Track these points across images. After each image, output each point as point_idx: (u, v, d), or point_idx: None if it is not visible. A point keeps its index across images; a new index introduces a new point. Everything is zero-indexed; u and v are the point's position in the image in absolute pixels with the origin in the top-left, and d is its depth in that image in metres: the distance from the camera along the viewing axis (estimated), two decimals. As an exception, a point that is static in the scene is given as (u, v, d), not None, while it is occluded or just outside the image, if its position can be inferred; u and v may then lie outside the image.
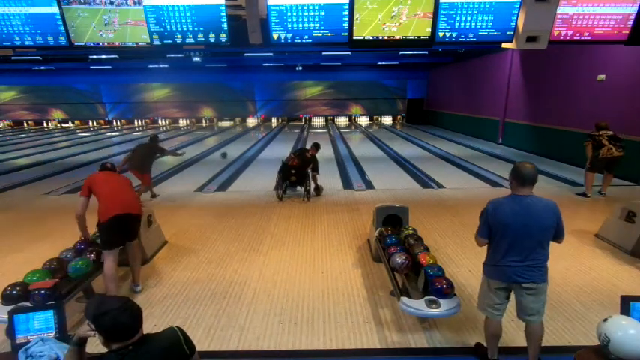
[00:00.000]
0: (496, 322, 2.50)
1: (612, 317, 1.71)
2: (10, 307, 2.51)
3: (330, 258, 4.36)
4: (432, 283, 2.84)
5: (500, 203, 2.36)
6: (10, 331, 2.24)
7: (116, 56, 14.92)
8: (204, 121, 23.43)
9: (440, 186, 7.57)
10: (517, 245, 2.30)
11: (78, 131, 20.42)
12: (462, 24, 5.11)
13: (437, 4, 4.97)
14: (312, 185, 6.81)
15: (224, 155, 10.56)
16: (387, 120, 23.46)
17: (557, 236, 2.37)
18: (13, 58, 13.32)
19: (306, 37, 5.20)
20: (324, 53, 14.37)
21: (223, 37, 5.22)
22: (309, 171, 6.71)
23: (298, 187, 6.87)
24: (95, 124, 23.33)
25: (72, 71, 20.57)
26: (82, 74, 21.26)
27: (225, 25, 5.15)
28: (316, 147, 6.98)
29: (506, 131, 12.70)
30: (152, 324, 3.09)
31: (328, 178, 8.16)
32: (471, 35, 5.19)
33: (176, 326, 1.68)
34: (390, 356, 2.78)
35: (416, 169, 9.20)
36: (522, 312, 2.43)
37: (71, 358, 1.68)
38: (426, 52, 14.81)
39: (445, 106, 18.74)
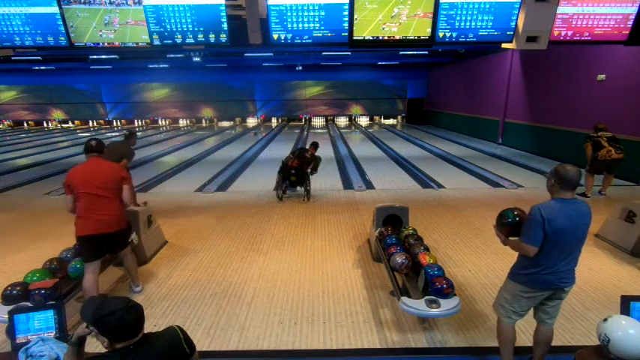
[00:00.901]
0: (512, 327, 2.44)
1: (612, 317, 1.71)
2: (10, 307, 2.51)
3: (330, 258, 4.36)
4: (432, 283, 2.84)
5: (555, 209, 2.20)
6: (10, 331, 2.24)
7: (116, 56, 14.92)
8: (204, 121, 23.44)
9: (440, 186, 7.57)
10: (567, 251, 2.23)
11: (78, 131, 20.41)
12: (462, 24, 5.11)
13: (437, 4, 4.97)
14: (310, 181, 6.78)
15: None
16: (390, 121, 23.46)
17: None
18: (13, 58, 13.31)
19: (306, 37, 5.21)
20: (324, 53, 14.38)
21: (223, 37, 5.22)
22: (309, 171, 6.71)
23: (298, 187, 6.88)
24: (95, 124, 23.33)
25: (72, 71, 20.58)
26: (82, 74, 21.27)
27: (225, 25, 5.15)
28: (315, 146, 6.99)
29: (506, 131, 12.70)
30: (152, 324, 3.09)
31: (328, 178, 8.16)
32: (471, 35, 5.19)
33: (176, 326, 1.69)
34: (390, 356, 2.78)
35: (416, 169, 9.20)
36: (546, 315, 2.39)
37: (70, 358, 1.69)
38: (426, 52, 14.82)
39: (445, 106, 18.74)
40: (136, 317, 1.53)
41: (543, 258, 2.24)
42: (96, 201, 3.04)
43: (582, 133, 8.88)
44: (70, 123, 23.28)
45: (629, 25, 5.14)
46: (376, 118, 23.57)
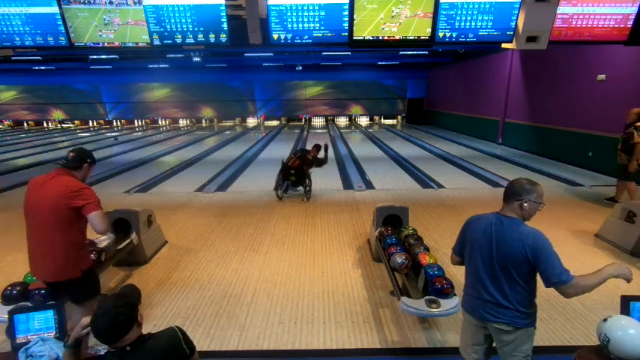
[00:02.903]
0: None
1: (612, 317, 1.71)
2: (10, 307, 2.51)
3: (330, 258, 4.36)
4: (432, 283, 2.84)
5: (478, 217, 2.04)
6: (10, 331, 2.24)
7: (116, 56, 14.91)
8: (204, 121, 23.44)
9: (440, 186, 7.57)
10: (488, 272, 1.94)
11: (78, 131, 20.41)
12: (462, 24, 5.11)
13: (437, 4, 4.97)
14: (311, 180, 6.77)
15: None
16: (390, 121, 23.44)
17: (543, 278, 1.81)
18: (13, 58, 13.31)
19: (306, 37, 5.21)
20: (324, 53, 14.37)
21: (223, 37, 5.23)
22: (311, 171, 6.71)
23: (299, 187, 6.88)
24: (95, 124, 23.32)
25: (72, 71, 20.56)
26: (82, 74, 21.25)
27: (225, 25, 5.15)
28: (317, 148, 6.99)
29: (506, 131, 12.70)
30: (152, 324, 3.08)
31: (328, 178, 8.16)
32: (471, 35, 5.19)
33: (176, 326, 1.68)
34: (390, 356, 2.78)
35: (416, 169, 9.20)
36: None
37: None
38: (426, 52, 14.80)
39: (445, 106, 18.73)
40: (105, 327, 1.46)
41: (467, 274, 2.11)
42: (41, 235, 2.32)
43: (582, 133, 8.91)
44: (70, 123, 23.28)
45: (629, 25, 5.14)
46: (376, 118, 23.56)
